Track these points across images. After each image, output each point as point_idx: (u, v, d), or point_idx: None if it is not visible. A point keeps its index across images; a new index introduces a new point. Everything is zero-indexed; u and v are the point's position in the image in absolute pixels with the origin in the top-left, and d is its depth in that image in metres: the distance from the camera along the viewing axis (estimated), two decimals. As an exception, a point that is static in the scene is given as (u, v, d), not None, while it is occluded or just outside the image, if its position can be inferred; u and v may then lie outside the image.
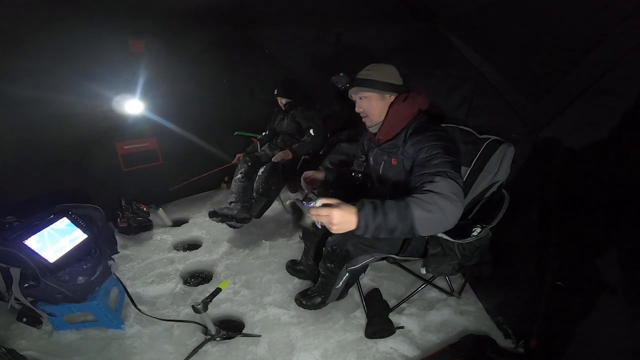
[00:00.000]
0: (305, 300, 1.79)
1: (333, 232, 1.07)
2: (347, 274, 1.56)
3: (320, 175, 1.81)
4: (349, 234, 1.46)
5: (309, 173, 1.81)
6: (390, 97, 1.44)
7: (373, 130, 1.52)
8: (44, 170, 2.19)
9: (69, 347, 1.58)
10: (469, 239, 1.39)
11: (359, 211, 1.04)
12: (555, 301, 1.36)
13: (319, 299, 1.75)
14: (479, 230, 1.39)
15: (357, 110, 1.49)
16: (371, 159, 1.60)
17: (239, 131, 3.10)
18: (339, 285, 1.61)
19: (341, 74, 1.45)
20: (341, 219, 1.04)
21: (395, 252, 1.54)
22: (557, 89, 1.37)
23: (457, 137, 1.70)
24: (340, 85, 1.48)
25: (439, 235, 1.39)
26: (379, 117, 1.46)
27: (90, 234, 1.71)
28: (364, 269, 1.59)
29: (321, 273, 1.67)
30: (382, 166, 1.50)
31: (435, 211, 1.03)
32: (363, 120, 1.52)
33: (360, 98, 1.45)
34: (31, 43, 1.79)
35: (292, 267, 2.10)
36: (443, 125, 1.67)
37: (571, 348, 1.25)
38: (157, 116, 2.68)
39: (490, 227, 1.41)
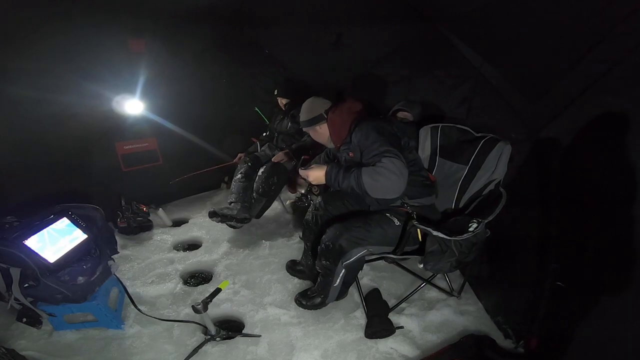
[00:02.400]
0: (305, 300, 1.80)
1: (313, 183, 1.61)
2: (343, 270, 1.57)
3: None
4: (342, 230, 1.49)
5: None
6: (322, 124, 1.70)
7: (331, 146, 1.80)
8: (44, 170, 2.19)
9: (69, 347, 1.58)
10: (465, 235, 1.39)
11: (327, 171, 1.52)
12: (555, 301, 1.36)
13: (318, 299, 1.75)
14: (475, 225, 1.40)
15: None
16: (337, 159, 1.81)
17: (257, 107, 3.09)
18: (337, 283, 1.61)
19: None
20: (314, 175, 1.57)
21: (388, 245, 1.56)
22: (557, 89, 1.38)
23: (454, 137, 1.72)
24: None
25: (435, 233, 1.40)
26: (326, 139, 1.74)
27: (90, 234, 1.71)
28: (359, 263, 1.60)
29: (319, 272, 1.67)
30: (343, 160, 1.71)
31: (381, 180, 1.36)
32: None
33: (310, 134, 1.81)
34: (31, 43, 1.79)
35: (292, 267, 2.10)
36: (441, 125, 1.75)
37: (571, 348, 1.25)
38: (157, 116, 2.67)
39: (486, 221, 1.42)
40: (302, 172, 1.62)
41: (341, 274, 1.58)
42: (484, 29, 1.76)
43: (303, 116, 1.74)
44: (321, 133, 1.74)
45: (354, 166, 1.47)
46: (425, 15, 2.14)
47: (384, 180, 1.35)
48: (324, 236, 1.60)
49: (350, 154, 1.60)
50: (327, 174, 1.51)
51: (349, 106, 1.65)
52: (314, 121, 1.71)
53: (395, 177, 1.35)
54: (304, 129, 1.80)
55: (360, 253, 1.53)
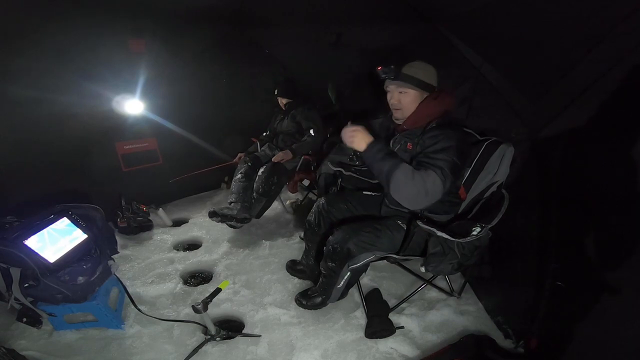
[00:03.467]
0: (306, 300, 1.79)
1: (348, 143, 1.44)
2: (348, 273, 1.57)
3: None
4: (351, 234, 1.49)
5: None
6: (422, 94, 1.50)
7: (399, 121, 1.57)
8: (44, 170, 2.19)
9: (69, 347, 1.58)
10: (468, 238, 1.39)
11: (372, 142, 1.39)
12: (555, 301, 1.36)
13: (319, 299, 1.75)
14: (478, 229, 1.39)
15: (391, 101, 1.54)
16: (391, 143, 1.66)
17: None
18: (340, 285, 1.61)
19: (392, 66, 1.47)
20: (358, 137, 1.41)
21: (395, 251, 1.55)
22: (557, 89, 1.38)
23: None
24: (384, 76, 1.50)
25: (439, 234, 1.40)
26: (411, 111, 1.52)
27: (90, 234, 1.71)
28: (365, 267, 1.60)
29: (322, 273, 1.67)
30: (397, 148, 1.58)
31: (410, 186, 1.30)
32: (394, 111, 1.57)
33: (400, 92, 1.50)
34: (31, 43, 1.79)
35: (292, 267, 2.10)
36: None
37: (571, 348, 1.25)
38: (157, 116, 2.67)
39: (490, 226, 1.41)
40: (349, 126, 1.44)
41: (346, 277, 1.58)
42: (484, 29, 1.76)
43: (423, 75, 1.47)
44: (408, 101, 1.49)
45: (398, 157, 1.38)
46: (425, 15, 2.13)
47: (412, 188, 1.29)
48: (331, 238, 1.58)
49: (409, 146, 1.50)
50: (370, 144, 1.38)
51: (447, 102, 1.48)
52: (428, 87, 1.49)
53: (423, 194, 1.29)
54: (405, 84, 1.47)
55: (368, 258, 1.53)
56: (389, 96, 1.55)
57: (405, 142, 1.53)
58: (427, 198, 1.30)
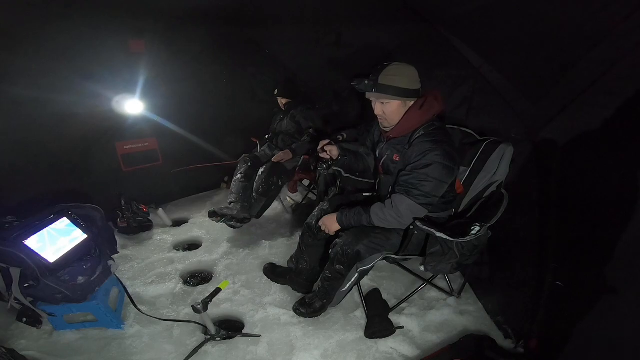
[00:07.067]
0: (305, 308, 1.73)
1: (327, 230, 1.65)
2: (356, 275, 1.55)
3: (335, 152, 1.80)
4: (361, 235, 1.52)
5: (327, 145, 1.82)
6: (410, 102, 1.46)
7: (387, 129, 1.55)
8: (44, 170, 2.19)
9: (69, 347, 1.58)
10: (467, 237, 1.39)
11: (338, 216, 1.59)
12: (555, 301, 1.36)
13: (319, 304, 1.70)
14: (477, 228, 1.40)
15: (376, 112, 1.51)
16: (377, 150, 1.67)
17: None
18: (345, 288, 1.60)
19: (366, 82, 1.42)
20: (327, 221, 1.64)
21: (395, 251, 1.55)
22: (557, 89, 1.38)
23: (457, 138, 1.71)
24: (360, 90, 1.47)
25: (438, 234, 1.40)
26: (396, 120, 1.49)
27: (90, 234, 1.71)
28: (371, 269, 1.60)
29: (325, 276, 1.62)
30: (384, 159, 1.59)
31: (386, 221, 1.47)
32: (380, 121, 1.55)
33: (382, 103, 1.46)
34: (31, 43, 1.79)
35: (272, 272, 2.03)
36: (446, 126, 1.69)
37: (571, 348, 1.25)
38: (157, 116, 2.67)
39: (489, 225, 1.42)
40: (320, 222, 1.68)
41: (353, 279, 1.57)
42: (484, 29, 1.76)
43: (402, 81, 1.39)
44: (392, 111, 1.45)
45: (359, 208, 1.52)
46: (426, 16, 2.13)
47: (390, 219, 1.45)
48: (338, 240, 1.55)
49: (396, 157, 1.51)
50: (338, 219, 1.58)
51: (435, 107, 1.45)
52: (410, 93, 1.41)
53: (401, 220, 1.43)
54: (384, 95, 1.41)
55: (377, 259, 1.54)
56: (375, 108, 1.50)
57: (392, 153, 1.54)
58: (403, 220, 1.43)
